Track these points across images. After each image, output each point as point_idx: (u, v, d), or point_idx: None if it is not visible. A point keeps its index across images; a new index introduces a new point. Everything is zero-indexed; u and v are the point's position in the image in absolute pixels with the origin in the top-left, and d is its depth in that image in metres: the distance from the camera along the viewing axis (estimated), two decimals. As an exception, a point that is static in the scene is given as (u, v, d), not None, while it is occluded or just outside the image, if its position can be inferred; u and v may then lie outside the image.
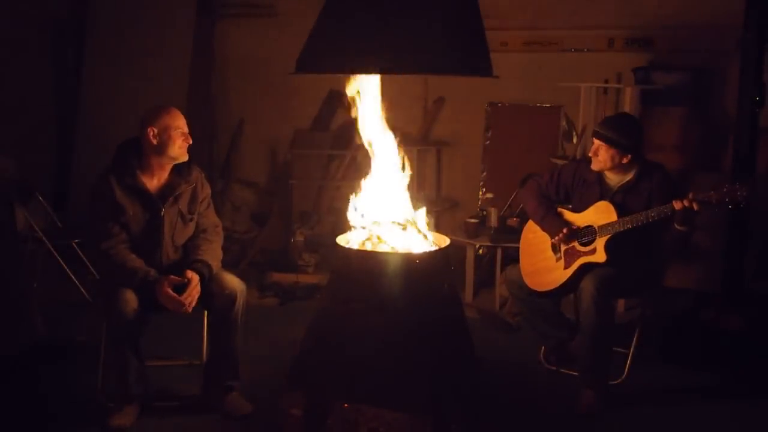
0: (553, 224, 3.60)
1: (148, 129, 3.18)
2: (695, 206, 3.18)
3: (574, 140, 5.44)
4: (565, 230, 3.51)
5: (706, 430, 3.34)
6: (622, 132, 3.43)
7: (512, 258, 4.49)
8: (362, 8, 2.89)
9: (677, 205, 3.21)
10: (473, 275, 5.01)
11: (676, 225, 3.30)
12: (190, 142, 3.26)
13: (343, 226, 3.22)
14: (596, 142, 3.48)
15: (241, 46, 6.58)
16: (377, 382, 2.85)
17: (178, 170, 3.29)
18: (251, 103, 6.60)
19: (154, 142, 3.18)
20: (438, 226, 3.39)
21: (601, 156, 3.47)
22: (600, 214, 3.47)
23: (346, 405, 2.88)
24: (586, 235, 3.49)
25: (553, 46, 5.74)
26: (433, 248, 3.07)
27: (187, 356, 3.73)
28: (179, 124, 3.22)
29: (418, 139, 6.00)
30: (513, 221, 4.93)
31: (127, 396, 3.20)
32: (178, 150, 3.22)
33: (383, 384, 2.85)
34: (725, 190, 3.18)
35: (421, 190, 5.93)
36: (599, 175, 3.56)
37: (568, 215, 3.62)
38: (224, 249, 3.45)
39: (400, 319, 2.87)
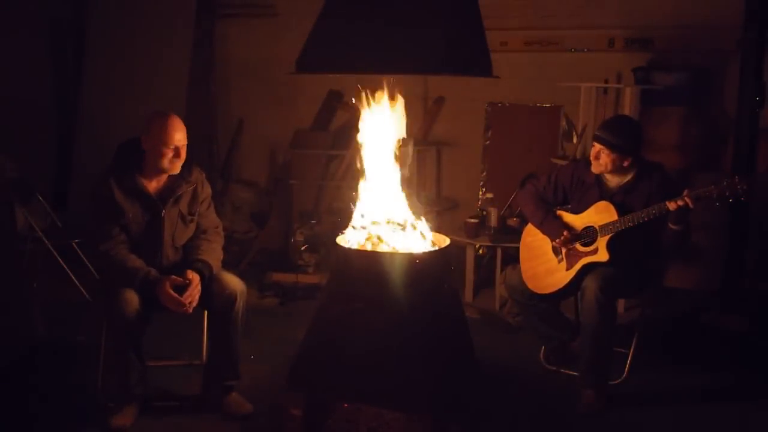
0: (552, 227, 3.59)
1: (143, 136, 3.18)
2: (690, 203, 3.19)
3: (574, 140, 5.43)
4: (565, 233, 3.51)
5: (706, 430, 3.33)
6: (623, 135, 3.43)
7: (512, 258, 4.49)
8: (362, 8, 2.89)
9: (671, 205, 3.22)
10: (473, 275, 5.01)
11: (670, 224, 3.31)
12: (182, 157, 3.19)
13: (344, 226, 3.22)
14: (597, 146, 3.47)
15: (241, 46, 6.58)
16: (377, 382, 2.85)
17: (179, 171, 3.28)
18: (251, 103, 6.60)
19: (146, 150, 3.18)
20: (438, 226, 3.38)
21: (602, 160, 3.46)
22: (600, 214, 3.46)
23: (346, 405, 2.88)
24: (587, 236, 3.49)
25: (553, 46, 5.74)
26: (433, 248, 3.07)
27: (187, 356, 3.73)
28: (170, 139, 3.14)
29: (418, 139, 5.99)
30: (513, 221, 4.93)
31: (127, 396, 3.19)
32: (168, 164, 3.18)
33: (383, 384, 2.85)
34: (725, 183, 3.19)
35: (421, 190, 5.93)
36: (598, 176, 3.55)
37: (568, 217, 3.61)
38: (224, 249, 3.45)
39: (400, 319, 2.87)
